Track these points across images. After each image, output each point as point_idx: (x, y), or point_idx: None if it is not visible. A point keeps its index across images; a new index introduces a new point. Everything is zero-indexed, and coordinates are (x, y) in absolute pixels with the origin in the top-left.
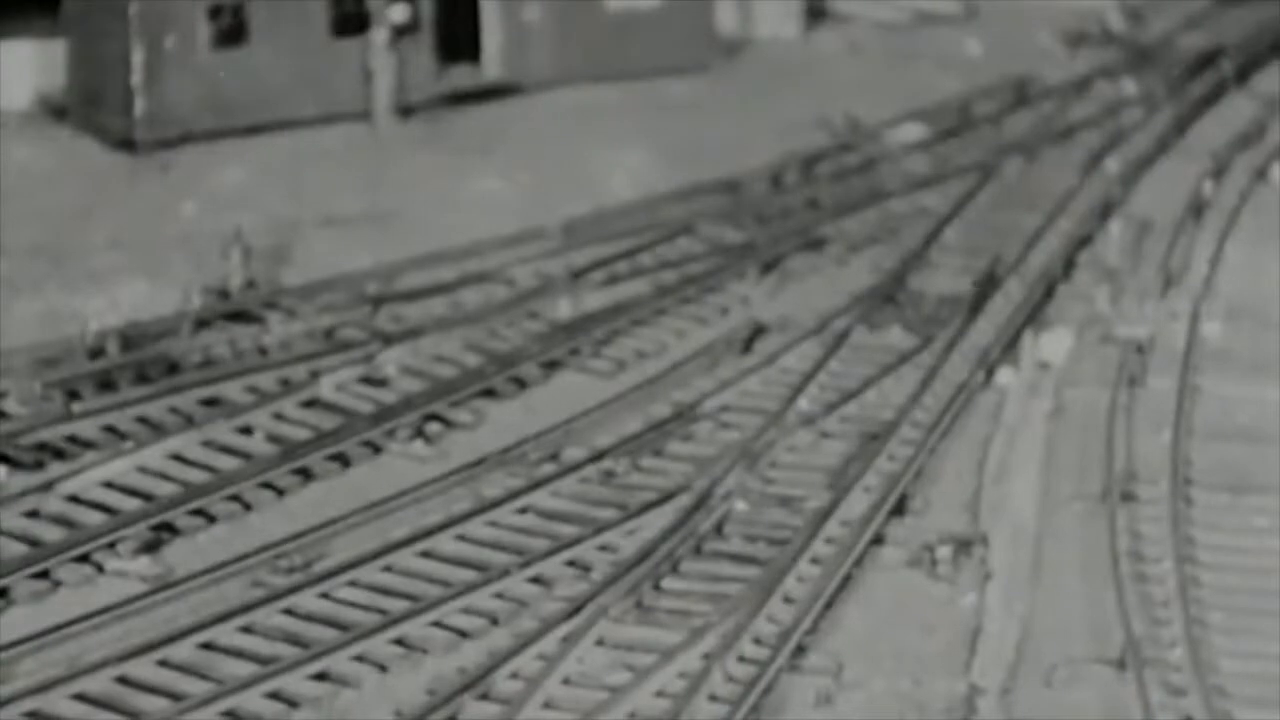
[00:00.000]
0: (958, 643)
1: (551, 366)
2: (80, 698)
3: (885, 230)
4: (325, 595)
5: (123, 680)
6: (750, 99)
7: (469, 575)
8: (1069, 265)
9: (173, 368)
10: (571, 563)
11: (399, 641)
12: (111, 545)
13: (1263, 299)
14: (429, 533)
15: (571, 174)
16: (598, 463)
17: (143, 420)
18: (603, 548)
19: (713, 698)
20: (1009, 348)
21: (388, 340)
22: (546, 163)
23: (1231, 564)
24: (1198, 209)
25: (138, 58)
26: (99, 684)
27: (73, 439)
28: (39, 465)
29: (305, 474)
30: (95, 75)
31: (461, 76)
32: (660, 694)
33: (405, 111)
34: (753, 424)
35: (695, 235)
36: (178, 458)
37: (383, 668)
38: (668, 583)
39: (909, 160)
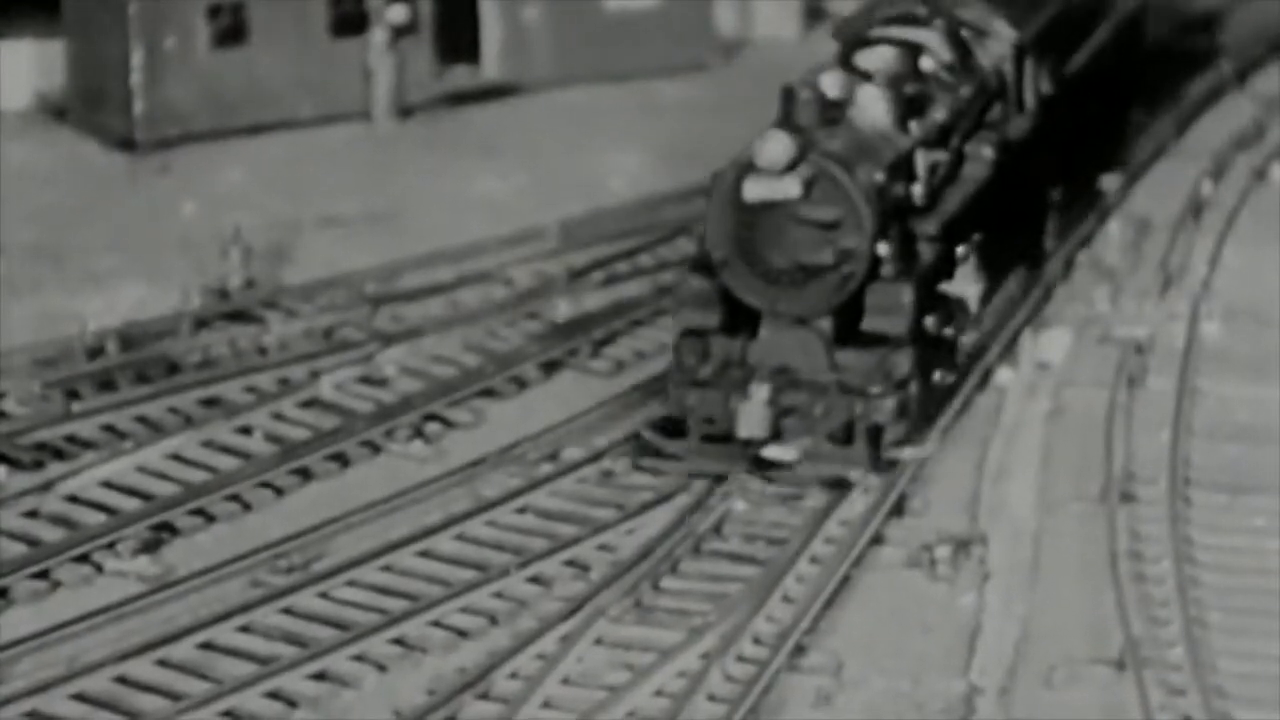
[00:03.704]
0: (957, 643)
1: (550, 367)
2: (79, 698)
3: None
4: (324, 595)
5: (122, 680)
6: (749, 99)
7: (468, 575)
8: (1068, 265)
9: (172, 368)
10: (570, 562)
11: (398, 641)
12: (111, 545)
13: (1262, 299)
14: (428, 532)
15: (570, 174)
16: (596, 462)
17: (142, 420)
18: (602, 547)
19: (712, 697)
20: (1008, 348)
21: (387, 340)
22: (545, 163)
23: (1231, 564)
24: (1197, 209)
25: (137, 58)
26: (98, 684)
27: (72, 439)
28: (38, 465)
29: (304, 474)
30: (95, 75)
31: (460, 77)
32: (659, 693)
33: (404, 112)
34: None
35: (694, 235)
36: (177, 457)
37: (382, 667)
38: (667, 582)
39: None
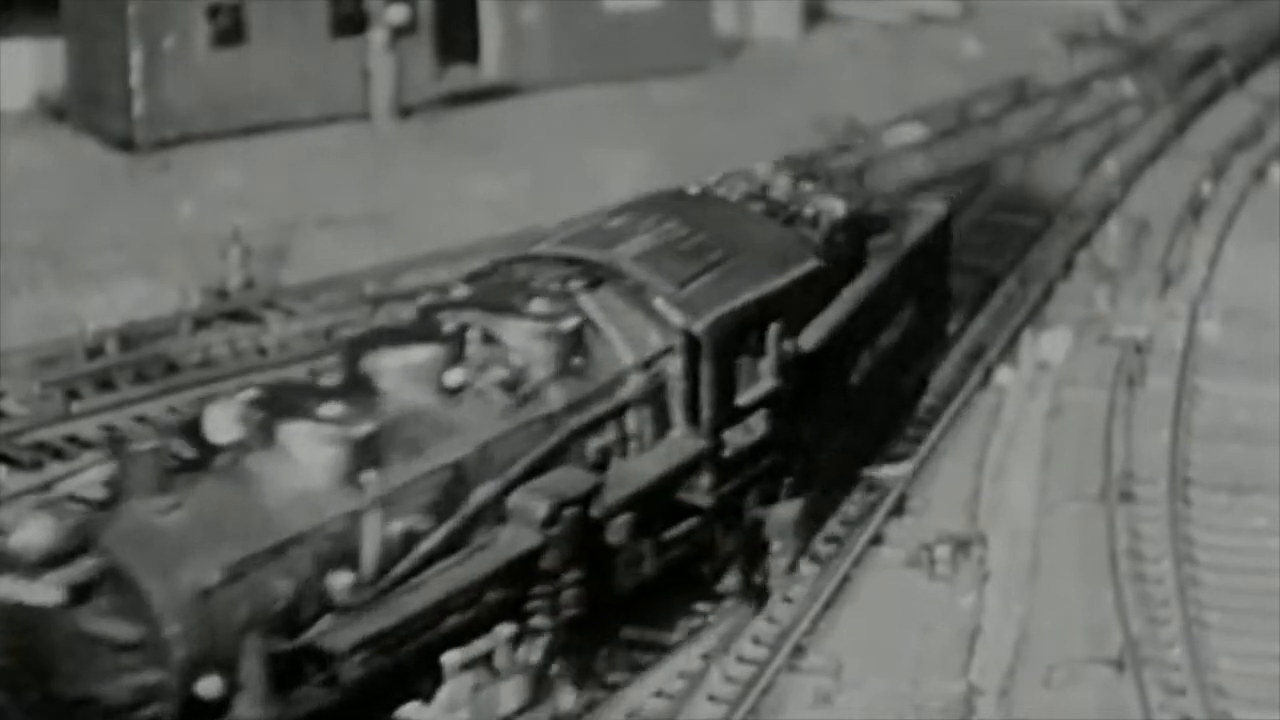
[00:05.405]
0: (956, 643)
1: None
2: None
3: None
4: None
5: None
6: (748, 100)
7: None
8: (1068, 265)
9: (171, 367)
10: None
11: None
12: None
13: (1261, 299)
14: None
15: (570, 174)
16: None
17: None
18: None
19: (711, 698)
20: (1008, 347)
21: None
22: (545, 163)
23: (1230, 564)
24: (1196, 209)
25: (136, 58)
26: None
27: (72, 439)
28: (38, 465)
29: None
30: (94, 75)
31: (460, 77)
32: (659, 694)
33: (404, 112)
34: None
35: None
36: None
37: None
38: None
39: (908, 161)
